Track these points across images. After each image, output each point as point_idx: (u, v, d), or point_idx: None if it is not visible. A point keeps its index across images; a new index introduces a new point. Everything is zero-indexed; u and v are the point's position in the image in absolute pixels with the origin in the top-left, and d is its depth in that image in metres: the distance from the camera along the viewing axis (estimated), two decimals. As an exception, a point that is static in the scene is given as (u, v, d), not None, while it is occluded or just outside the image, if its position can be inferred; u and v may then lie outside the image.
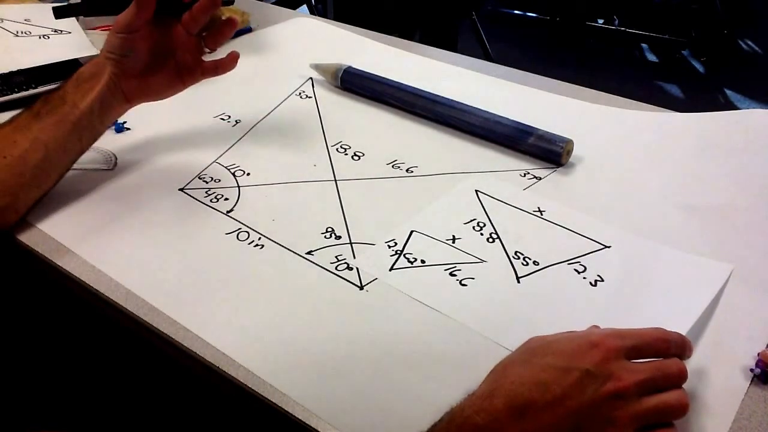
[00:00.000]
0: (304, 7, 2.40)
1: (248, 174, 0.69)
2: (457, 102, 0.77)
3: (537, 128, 0.71)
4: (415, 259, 0.57)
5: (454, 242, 0.59)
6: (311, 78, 0.89)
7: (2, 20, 0.91)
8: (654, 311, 0.52)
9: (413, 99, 0.79)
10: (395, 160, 0.71)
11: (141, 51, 0.65)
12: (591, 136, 0.74)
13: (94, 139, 0.66)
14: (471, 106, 0.76)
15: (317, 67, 0.88)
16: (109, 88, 0.64)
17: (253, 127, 0.78)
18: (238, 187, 0.67)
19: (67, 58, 0.84)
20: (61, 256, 0.58)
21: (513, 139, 0.72)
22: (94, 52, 0.85)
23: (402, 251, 0.58)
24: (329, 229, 0.61)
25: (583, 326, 0.46)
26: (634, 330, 0.42)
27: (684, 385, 0.41)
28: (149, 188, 0.67)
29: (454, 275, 0.56)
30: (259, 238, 0.60)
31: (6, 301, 0.69)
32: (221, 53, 0.70)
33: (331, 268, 0.57)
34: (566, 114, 0.80)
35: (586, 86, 0.86)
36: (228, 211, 0.64)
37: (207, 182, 0.68)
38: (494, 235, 0.60)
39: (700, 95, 2.50)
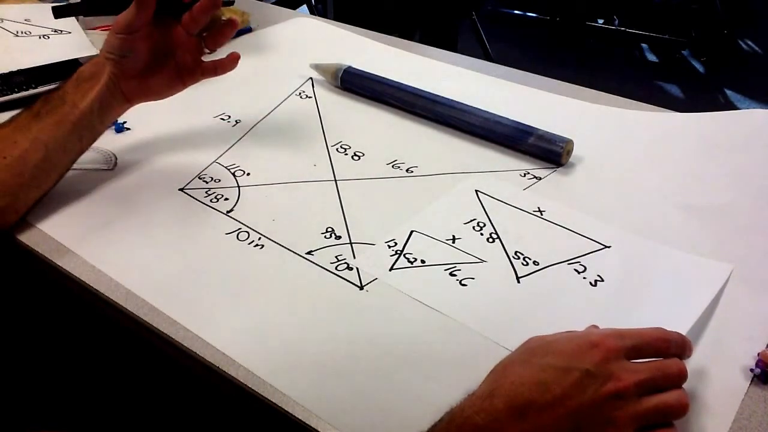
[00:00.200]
0: (304, 7, 2.40)
1: (248, 174, 0.69)
2: (457, 102, 0.77)
3: (537, 128, 0.71)
4: (415, 259, 0.57)
5: (454, 242, 0.59)
6: (311, 78, 0.89)
7: (2, 20, 0.91)
8: (654, 311, 0.52)
9: (413, 99, 0.79)
10: (395, 160, 0.71)
11: (141, 51, 0.65)
12: (591, 136, 0.74)
13: (94, 139, 0.66)
14: (471, 106, 0.76)
15: (317, 67, 0.88)
16: (108, 88, 0.64)
17: (253, 127, 0.78)
18: (238, 187, 0.67)
19: (67, 58, 0.84)
20: (61, 256, 0.58)
21: (513, 139, 0.72)
22: (94, 52, 0.85)
23: (402, 251, 0.58)
24: (329, 229, 0.61)
25: (583, 326, 0.46)
26: (634, 330, 0.42)
27: (684, 385, 0.41)
28: (149, 188, 0.67)
29: (454, 275, 0.56)
30: (259, 238, 0.60)
31: (6, 301, 0.69)
32: (221, 53, 0.70)
33: (331, 268, 0.57)
34: (566, 114, 0.80)
35: (586, 86, 0.86)
36: (228, 211, 0.64)
37: (207, 182, 0.68)
38: (494, 235, 0.60)
39: (700, 95, 2.50)
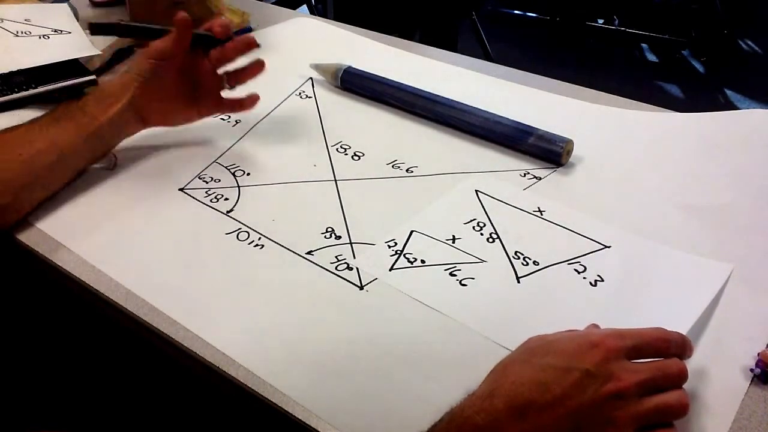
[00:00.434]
0: (304, 7, 2.39)
1: (248, 174, 0.69)
2: (457, 102, 0.77)
3: (537, 128, 0.71)
4: (415, 259, 0.57)
5: (454, 242, 0.59)
6: (311, 78, 0.89)
7: (2, 20, 0.91)
8: (654, 311, 0.52)
9: (413, 99, 0.79)
10: (395, 160, 0.71)
11: (168, 79, 0.67)
12: (591, 136, 0.74)
13: (104, 153, 0.68)
14: (471, 106, 0.76)
15: (317, 67, 0.88)
16: (129, 107, 0.66)
17: (253, 127, 0.78)
18: (238, 187, 0.67)
19: (67, 58, 0.83)
20: (61, 256, 0.59)
21: (513, 139, 0.72)
22: (94, 51, 0.85)
23: (402, 251, 0.58)
24: (329, 229, 0.61)
25: (583, 326, 0.46)
26: (634, 330, 0.42)
27: (684, 385, 0.41)
28: (149, 188, 0.67)
29: (454, 275, 0.56)
30: (259, 238, 0.60)
31: (6, 301, 0.69)
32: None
33: (331, 268, 0.57)
34: (566, 114, 0.80)
35: (586, 86, 0.86)
36: (228, 211, 0.64)
37: (207, 182, 0.68)
38: (494, 235, 0.60)
39: (700, 95, 2.50)
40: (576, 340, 0.41)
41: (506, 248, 0.59)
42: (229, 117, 0.80)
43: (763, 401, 0.45)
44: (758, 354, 0.47)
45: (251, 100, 0.73)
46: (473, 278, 0.55)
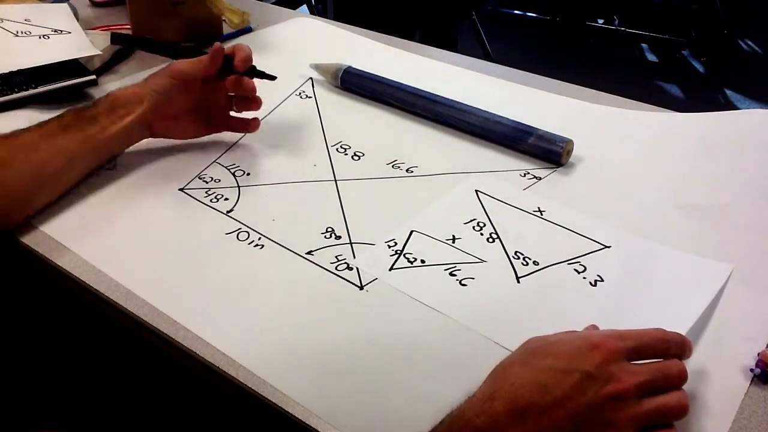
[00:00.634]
0: (304, 7, 2.39)
1: (248, 174, 0.69)
2: (457, 102, 0.77)
3: (537, 128, 0.71)
4: (415, 259, 0.57)
5: (454, 242, 0.59)
6: (311, 78, 0.89)
7: (2, 20, 0.91)
8: (654, 311, 0.52)
9: (413, 99, 0.79)
10: (395, 160, 0.71)
11: (183, 98, 0.69)
12: (591, 136, 0.74)
13: (109, 160, 0.69)
14: (471, 106, 0.76)
15: (317, 67, 0.88)
16: (141, 120, 0.67)
17: (253, 127, 0.78)
18: (238, 187, 0.67)
19: (67, 58, 0.83)
20: (61, 256, 0.58)
21: (513, 139, 0.72)
22: (94, 51, 0.85)
23: (402, 251, 0.58)
24: (329, 229, 0.61)
25: (582, 326, 0.46)
26: (634, 331, 0.42)
27: (684, 386, 0.41)
28: (149, 188, 0.67)
29: (454, 275, 0.56)
30: (259, 238, 0.60)
31: (6, 301, 0.69)
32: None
33: (331, 268, 0.57)
34: (566, 114, 0.80)
35: (586, 86, 0.86)
36: (228, 211, 0.64)
37: (207, 182, 0.68)
38: (494, 235, 0.60)
39: (700, 95, 2.50)
40: (576, 342, 0.41)
41: (506, 248, 0.59)
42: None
43: (763, 401, 0.45)
44: (758, 354, 0.47)
45: (255, 124, 0.73)
46: (473, 278, 0.55)
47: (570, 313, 0.52)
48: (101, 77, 0.86)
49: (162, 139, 0.74)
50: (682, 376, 0.41)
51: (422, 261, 0.57)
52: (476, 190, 0.66)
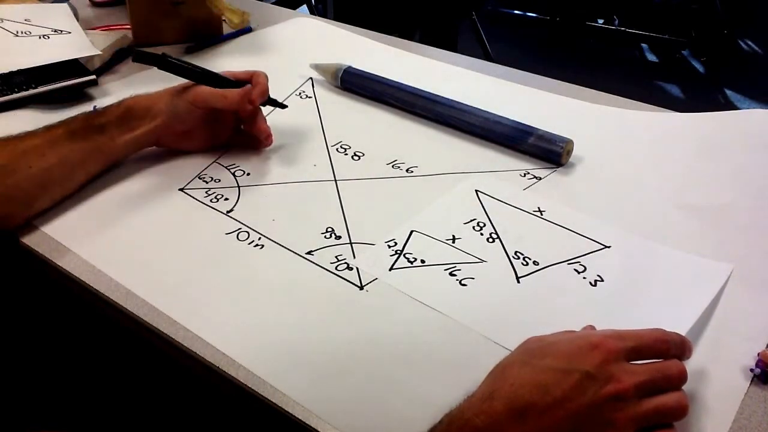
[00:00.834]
0: (304, 7, 2.39)
1: (248, 174, 0.69)
2: (457, 102, 0.77)
3: (537, 128, 0.71)
4: (415, 259, 0.57)
5: (454, 242, 0.59)
6: (311, 78, 0.89)
7: (2, 20, 0.91)
8: (654, 311, 0.52)
9: (413, 99, 0.79)
10: (395, 160, 0.71)
11: (197, 120, 0.69)
12: (591, 136, 0.74)
13: (111, 168, 0.69)
14: (471, 106, 0.76)
15: (317, 67, 0.88)
16: (150, 134, 0.67)
17: (253, 127, 0.78)
18: (238, 187, 0.67)
19: (67, 58, 0.83)
20: (61, 256, 0.58)
21: (513, 139, 0.72)
22: (94, 51, 0.85)
23: (402, 251, 0.58)
24: (329, 229, 0.61)
25: (583, 326, 0.46)
26: (633, 331, 0.42)
27: (684, 386, 0.41)
28: (149, 188, 0.67)
29: (454, 275, 0.56)
30: (259, 238, 0.60)
31: (6, 301, 0.69)
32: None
33: (331, 268, 0.57)
34: (566, 114, 0.80)
35: (586, 86, 0.86)
36: (228, 211, 0.64)
37: (207, 182, 0.68)
38: (494, 235, 0.60)
39: (700, 95, 2.50)
40: (576, 342, 0.41)
41: (506, 248, 0.59)
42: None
43: (763, 401, 0.45)
44: (758, 354, 0.47)
45: (268, 142, 0.73)
46: (473, 278, 0.55)
47: (570, 313, 0.52)
48: (101, 77, 0.86)
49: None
50: (682, 377, 0.41)
51: (422, 261, 0.57)
52: (476, 190, 0.66)
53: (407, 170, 0.70)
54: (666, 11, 2.64)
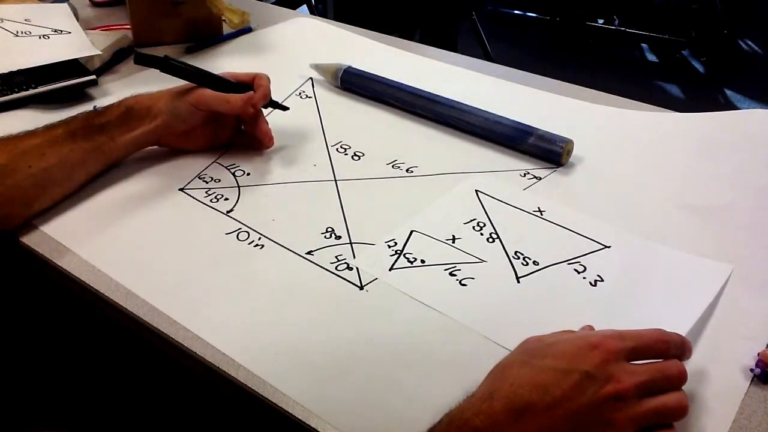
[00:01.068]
0: (304, 7, 2.39)
1: (248, 174, 0.69)
2: (457, 102, 0.77)
3: (537, 128, 0.71)
4: (415, 259, 0.57)
5: (454, 242, 0.59)
6: (311, 78, 0.89)
7: (2, 20, 0.91)
8: (654, 311, 0.52)
9: (413, 99, 0.79)
10: (395, 160, 0.71)
11: (197, 121, 0.69)
12: (591, 136, 0.74)
13: (111, 167, 0.69)
14: (471, 106, 0.76)
15: (317, 67, 0.88)
16: (151, 134, 0.68)
17: (253, 127, 0.78)
18: (238, 187, 0.67)
19: (67, 58, 0.83)
20: (61, 256, 0.58)
21: (513, 139, 0.72)
22: (94, 51, 0.85)
23: (402, 251, 0.58)
24: (329, 229, 0.61)
25: (581, 326, 0.46)
26: (633, 331, 0.42)
27: (684, 386, 0.41)
28: (149, 188, 0.67)
29: (454, 275, 0.56)
30: (259, 238, 0.60)
31: (6, 301, 0.69)
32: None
33: (331, 268, 0.57)
34: (566, 114, 0.80)
35: (586, 86, 0.86)
36: (228, 211, 0.64)
37: (207, 182, 0.68)
38: (494, 235, 0.60)
39: (700, 95, 2.50)
40: (575, 342, 0.41)
41: (506, 248, 0.59)
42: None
43: (763, 401, 0.45)
44: (758, 354, 0.47)
45: (269, 144, 0.73)
46: (473, 278, 0.55)
47: (570, 313, 0.52)
48: (101, 77, 0.86)
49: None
50: (682, 377, 0.41)
51: (422, 261, 0.57)
52: (476, 190, 0.66)
53: (407, 170, 0.70)
54: (666, 11, 2.64)
